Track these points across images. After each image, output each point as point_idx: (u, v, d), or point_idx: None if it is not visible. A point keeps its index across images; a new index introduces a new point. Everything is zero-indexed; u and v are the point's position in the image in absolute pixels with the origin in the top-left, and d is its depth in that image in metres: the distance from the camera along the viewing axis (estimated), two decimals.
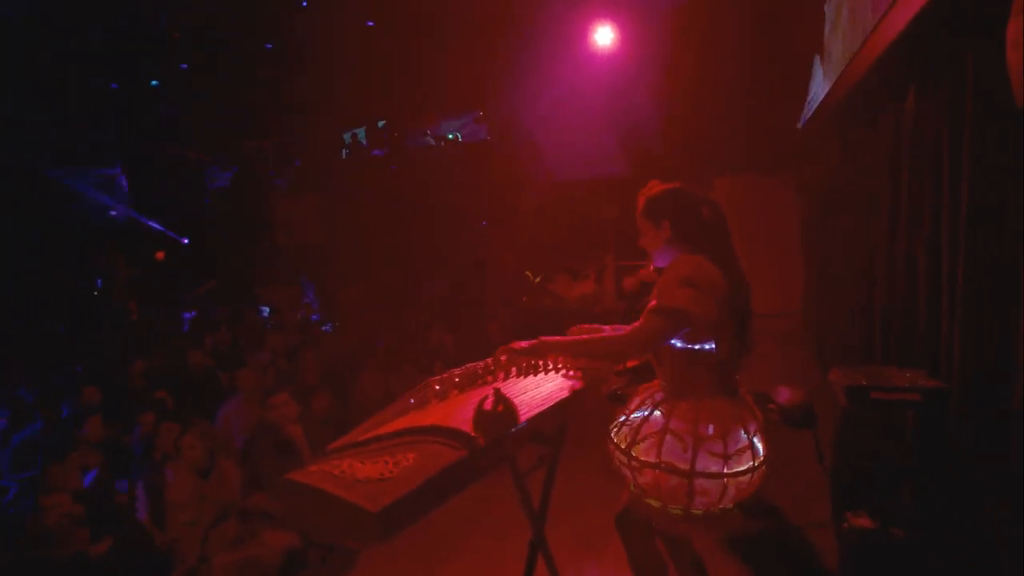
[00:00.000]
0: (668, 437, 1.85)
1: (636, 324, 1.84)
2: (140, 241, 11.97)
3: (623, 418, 2.02)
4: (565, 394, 1.81)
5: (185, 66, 10.80)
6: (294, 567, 3.41)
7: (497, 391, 1.56)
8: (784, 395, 4.49)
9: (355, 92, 10.57)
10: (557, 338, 1.94)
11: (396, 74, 10.06)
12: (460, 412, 1.62)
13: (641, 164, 8.40)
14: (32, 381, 6.45)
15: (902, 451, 2.95)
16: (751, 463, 1.86)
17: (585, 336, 2.02)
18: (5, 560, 3.16)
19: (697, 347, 1.87)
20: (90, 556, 3.19)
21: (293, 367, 6.31)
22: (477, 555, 3.34)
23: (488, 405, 1.53)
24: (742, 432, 1.87)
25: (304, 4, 9.83)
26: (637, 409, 2.00)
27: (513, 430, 1.55)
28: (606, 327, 2.09)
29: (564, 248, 10.20)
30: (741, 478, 1.84)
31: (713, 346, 1.87)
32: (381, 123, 11.99)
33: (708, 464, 1.82)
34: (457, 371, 1.94)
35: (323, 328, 9.81)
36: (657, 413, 1.93)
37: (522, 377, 1.94)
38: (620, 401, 2.17)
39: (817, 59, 5.45)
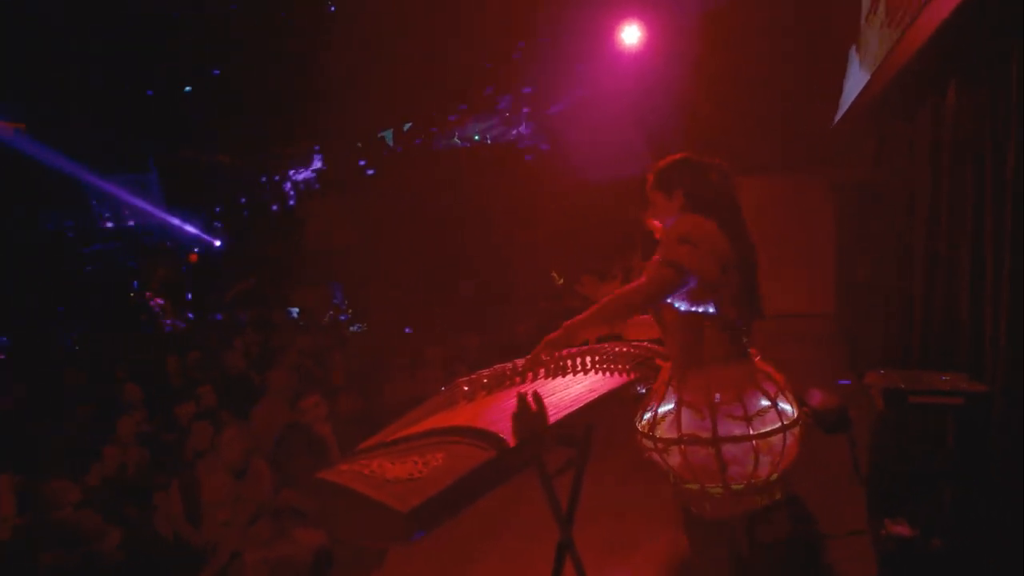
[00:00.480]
0: (684, 410, 1.86)
1: (642, 278, 1.92)
2: (174, 245, 12.26)
3: (645, 411, 2.02)
4: (593, 396, 1.81)
5: (217, 72, 11.03)
6: (324, 566, 3.44)
7: (529, 392, 1.55)
8: (817, 398, 4.37)
9: (382, 94, 10.67)
10: (578, 317, 1.96)
11: (423, 76, 10.14)
12: (488, 413, 1.62)
13: None
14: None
15: (941, 457, 2.86)
16: (778, 423, 1.83)
17: (599, 303, 2.03)
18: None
19: (700, 309, 1.89)
20: (111, 555, 3.24)
21: (321, 368, 6.37)
22: (505, 557, 3.33)
23: (519, 406, 1.52)
24: (759, 393, 1.85)
25: (332, 8, 9.96)
26: (654, 395, 2.02)
27: (542, 431, 1.54)
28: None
29: (591, 249, 10.15)
30: (772, 439, 1.81)
31: (713, 308, 1.88)
32: (407, 125, 12.08)
33: (731, 428, 1.81)
34: (485, 372, 1.95)
35: (352, 328, 9.91)
36: (670, 389, 1.94)
37: (550, 379, 1.94)
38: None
39: (853, 49, 5.32)
